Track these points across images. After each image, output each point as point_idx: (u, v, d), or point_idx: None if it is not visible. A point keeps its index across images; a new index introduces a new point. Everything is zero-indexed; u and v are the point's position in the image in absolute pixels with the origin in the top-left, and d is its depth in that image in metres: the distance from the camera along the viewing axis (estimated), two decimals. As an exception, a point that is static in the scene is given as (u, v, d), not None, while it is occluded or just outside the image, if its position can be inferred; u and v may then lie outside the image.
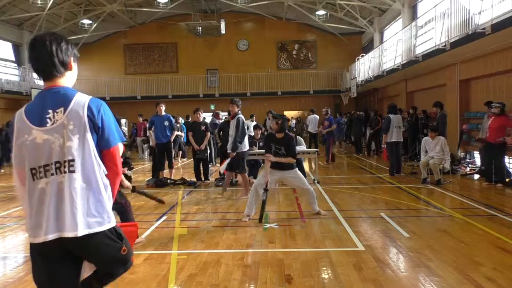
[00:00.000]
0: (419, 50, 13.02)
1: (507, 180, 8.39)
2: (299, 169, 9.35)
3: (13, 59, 21.11)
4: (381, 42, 19.56)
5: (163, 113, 9.51)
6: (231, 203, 7.30)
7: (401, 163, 10.41)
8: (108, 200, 1.97)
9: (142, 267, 4.07)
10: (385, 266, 3.97)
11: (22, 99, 19.46)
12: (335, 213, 6.23)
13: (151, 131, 9.78)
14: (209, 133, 9.64)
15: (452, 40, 10.35)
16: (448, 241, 4.66)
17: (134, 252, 4.54)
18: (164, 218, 6.19)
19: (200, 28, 23.57)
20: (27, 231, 1.94)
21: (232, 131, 7.59)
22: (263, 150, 9.03)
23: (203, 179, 9.54)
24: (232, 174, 8.17)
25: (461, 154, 11.36)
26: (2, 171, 13.26)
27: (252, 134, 10.61)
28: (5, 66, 19.84)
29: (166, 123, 9.42)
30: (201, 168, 9.54)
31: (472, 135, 11.34)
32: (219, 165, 9.81)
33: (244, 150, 7.64)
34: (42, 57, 1.93)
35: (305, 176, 9.34)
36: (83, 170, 1.88)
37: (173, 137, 9.66)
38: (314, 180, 9.25)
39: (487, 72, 10.69)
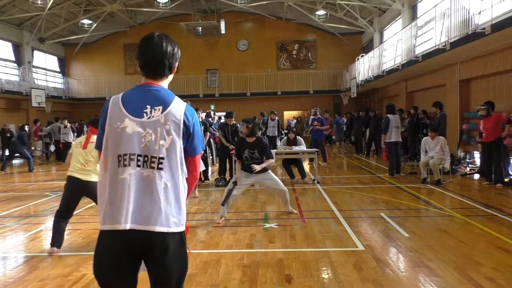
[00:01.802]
0: (419, 50, 13.01)
1: (506, 180, 8.40)
2: (299, 169, 9.46)
3: (13, 59, 21.10)
4: (381, 42, 19.56)
5: None
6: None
7: (400, 163, 10.42)
8: (184, 203, 2.00)
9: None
10: (385, 266, 3.97)
11: (22, 99, 19.46)
12: (335, 213, 6.23)
13: None
14: (208, 133, 9.65)
15: (452, 40, 10.35)
16: (448, 241, 4.66)
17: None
18: (164, 218, 6.17)
19: (200, 28, 23.57)
20: (102, 218, 1.91)
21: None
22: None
23: (203, 179, 9.54)
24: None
25: (461, 154, 11.36)
26: (35, 170, 13.17)
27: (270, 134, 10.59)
28: (5, 66, 19.83)
29: None
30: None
31: (472, 135, 11.35)
32: (218, 164, 9.83)
33: None
34: (156, 55, 2.00)
35: (305, 175, 9.42)
36: (169, 169, 1.92)
37: None
38: (314, 180, 9.26)
39: (487, 72, 10.69)
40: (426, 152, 8.87)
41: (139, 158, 1.89)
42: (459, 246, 4.49)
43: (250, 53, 25.03)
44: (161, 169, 1.90)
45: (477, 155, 10.89)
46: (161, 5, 22.28)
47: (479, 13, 9.12)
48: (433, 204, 6.73)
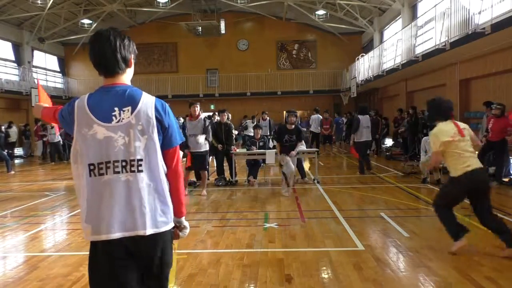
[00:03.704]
0: (419, 50, 13.02)
1: (506, 179, 8.40)
2: (299, 169, 9.46)
3: (13, 59, 21.10)
4: (381, 42, 19.56)
5: None
6: (231, 203, 7.30)
7: (369, 161, 10.94)
8: (170, 200, 1.96)
9: (142, 267, 4.07)
10: (385, 266, 3.97)
11: (22, 99, 19.46)
12: (335, 213, 6.23)
13: None
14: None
15: (452, 40, 10.35)
16: (448, 241, 4.64)
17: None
18: (164, 218, 6.17)
19: (200, 28, 23.55)
20: (84, 228, 1.87)
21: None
22: (263, 150, 9.13)
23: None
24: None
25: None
26: (13, 172, 12.82)
27: (252, 134, 10.62)
28: (5, 66, 19.83)
29: None
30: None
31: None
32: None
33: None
34: (105, 52, 1.91)
35: (305, 175, 9.42)
36: (150, 170, 1.87)
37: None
38: (314, 180, 9.26)
39: (486, 72, 10.70)
40: (426, 152, 8.87)
41: (115, 164, 1.83)
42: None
43: (250, 53, 25.02)
44: (141, 171, 1.85)
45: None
46: (161, 5, 22.27)
47: (479, 13, 9.13)
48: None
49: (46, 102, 2.46)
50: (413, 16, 16.15)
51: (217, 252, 4.51)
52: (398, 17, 17.98)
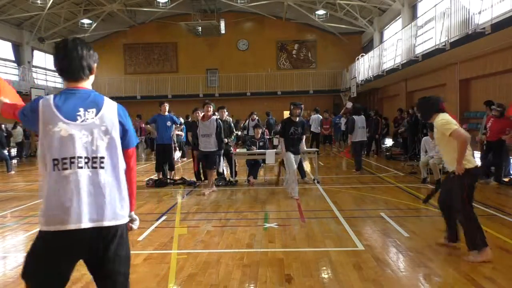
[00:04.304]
0: (419, 50, 13.02)
1: (506, 179, 8.40)
2: (298, 168, 9.44)
3: (13, 59, 21.10)
4: (381, 41, 19.56)
5: (167, 113, 9.50)
6: (231, 203, 7.30)
7: (361, 161, 11.05)
8: (127, 195, 2.13)
9: (142, 267, 4.07)
10: (385, 266, 3.97)
11: (22, 99, 19.35)
12: (335, 213, 6.23)
13: (149, 126, 10.07)
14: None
15: (452, 40, 10.35)
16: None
17: (134, 252, 4.55)
18: (163, 218, 6.18)
19: (200, 28, 23.56)
20: (42, 219, 1.99)
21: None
22: (263, 150, 9.13)
23: (203, 179, 9.52)
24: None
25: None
26: (13, 172, 12.74)
27: (252, 133, 10.64)
28: (5, 66, 19.83)
29: (169, 123, 9.40)
30: (201, 168, 9.52)
31: (472, 134, 11.33)
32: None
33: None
34: (73, 59, 2.08)
35: (305, 175, 9.42)
36: (111, 167, 2.05)
37: (174, 133, 9.94)
38: (314, 180, 9.25)
39: (486, 72, 10.70)
40: (426, 152, 8.87)
41: (79, 160, 1.97)
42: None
43: (250, 53, 25.03)
44: (103, 168, 2.02)
45: (477, 154, 10.87)
46: (161, 5, 22.27)
47: (479, 13, 9.12)
48: (433, 204, 6.72)
49: (9, 98, 2.48)
50: (413, 16, 16.16)
51: (217, 252, 4.51)
52: (398, 17, 17.99)
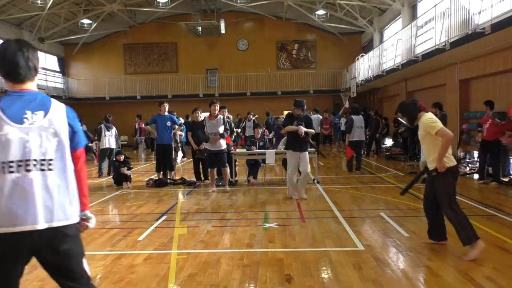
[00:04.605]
0: (419, 50, 13.02)
1: (506, 179, 8.40)
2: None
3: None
4: (381, 42, 19.56)
5: (166, 113, 9.49)
6: (231, 203, 7.30)
7: (361, 160, 11.07)
8: (77, 196, 2.16)
9: (142, 267, 4.07)
10: (385, 266, 3.97)
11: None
12: (335, 213, 6.23)
13: (149, 127, 10.12)
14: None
15: (452, 40, 10.35)
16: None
17: (134, 252, 4.56)
18: (163, 218, 6.18)
19: (200, 28, 23.56)
20: None
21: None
22: (263, 150, 9.13)
23: (203, 179, 9.53)
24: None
25: (460, 154, 11.36)
26: None
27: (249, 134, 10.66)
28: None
29: (169, 123, 9.39)
30: (201, 168, 9.52)
31: (471, 134, 11.35)
32: None
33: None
34: (18, 61, 2.05)
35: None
36: (60, 168, 2.06)
37: (177, 134, 10.04)
38: (314, 180, 9.25)
39: (486, 72, 10.70)
40: (426, 152, 8.87)
41: (27, 163, 1.97)
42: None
43: (250, 53, 25.02)
44: (51, 169, 2.03)
45: (477, 155, 10.89)
46: (161, 5, 22.27)
47: (479, 13, 9.12)
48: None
49: None
50: (413, 16, 16.16)
51: (217, 252, 4.51)
52: (398, 17, 17.99)
